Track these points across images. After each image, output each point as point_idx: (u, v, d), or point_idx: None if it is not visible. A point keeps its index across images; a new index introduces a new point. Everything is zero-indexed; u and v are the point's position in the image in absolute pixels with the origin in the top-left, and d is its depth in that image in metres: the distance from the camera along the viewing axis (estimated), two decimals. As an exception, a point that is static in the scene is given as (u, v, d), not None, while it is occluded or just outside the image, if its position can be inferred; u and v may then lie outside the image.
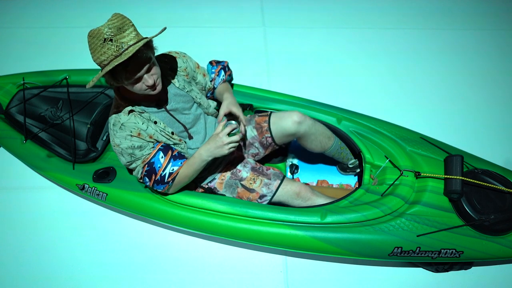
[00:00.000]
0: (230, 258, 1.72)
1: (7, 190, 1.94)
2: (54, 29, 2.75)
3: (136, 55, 1.13)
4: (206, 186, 1.58)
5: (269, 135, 1.60)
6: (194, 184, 1.57)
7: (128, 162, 1.36)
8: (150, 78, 1.20)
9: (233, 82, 1.85)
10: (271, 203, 1.54)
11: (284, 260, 1.71)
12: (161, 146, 1.36)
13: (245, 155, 1.68)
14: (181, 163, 1.37)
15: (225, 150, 1.30)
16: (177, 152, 1.39)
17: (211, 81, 1.61)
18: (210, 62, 1.66)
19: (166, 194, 1.49)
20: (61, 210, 1.87)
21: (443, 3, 2.95)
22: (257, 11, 2.90)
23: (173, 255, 1.73)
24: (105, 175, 1.60)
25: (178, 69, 1.47)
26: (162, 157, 1.34)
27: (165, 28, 1.21)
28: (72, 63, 2.45)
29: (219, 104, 1.81)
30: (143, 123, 1.32)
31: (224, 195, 1.56)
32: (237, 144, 1.32)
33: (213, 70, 1.62)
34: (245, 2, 2.96)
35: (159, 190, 1.42)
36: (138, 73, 1.16)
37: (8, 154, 1.96)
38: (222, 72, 1.63)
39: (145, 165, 1.35)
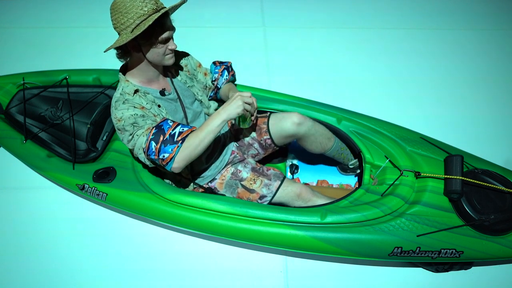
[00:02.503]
0: (230, 258, 1.72)
1: (7, 190, 1.94)
2: (54, 29, 2.75)
3: (169, 17, 1.26)
4: (206, 186, 1.58)
5: (268, 136, 1.60)
6: (194, 184, 1.57)
7: (130, 135, 1.29)
8: (174, 43, 1.30)
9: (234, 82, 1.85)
10: (271, 203, 1.54)
11: (284, 260, 1.71)
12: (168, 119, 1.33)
13: (245, 156, 1.68)
14: (190, 126, 1.30)
15: (240, 105, 1.26)
16: None
17: (213, 81, 1.61)
18: (214, 63, 1.66)
19: (171, 171, 1.31)
20: (61, 210, 1.87)
21: (443, 3, 2.95)
22: (257, 11, 2.90)
23: (173, 255, 1.73)
24: (105, 175, 1.60)
25: (180, 64, 1.51)
26: (171, 122, 1.29)
27: (185, 1, 1.28)
28: (72, 63, 2.45)
29: (221, 105, 1.81)
30: (147, 103, 1.33)
31: (224, 195, 1.56)
32: (250, 105, 1.29)
33: (216, 70, 1.62)
34: (245, 2, 2.97)
35: (166, 155, 1.25)
36: (169, 33, 1.26)
37: (8, 154, 1.96)
38: (226, 72, 1.63)
39: (152, 128, 1.27)
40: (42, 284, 1.66)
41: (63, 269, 1.70)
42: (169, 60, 1.33)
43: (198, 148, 1.26)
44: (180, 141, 1.25)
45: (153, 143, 1.26)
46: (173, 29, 1.28)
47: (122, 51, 1.29)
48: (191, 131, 1.28)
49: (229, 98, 1.45)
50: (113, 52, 1.29)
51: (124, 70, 1.38)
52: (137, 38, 1.22)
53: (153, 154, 1.27)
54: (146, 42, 1.24)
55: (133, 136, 1.29)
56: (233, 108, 1.26)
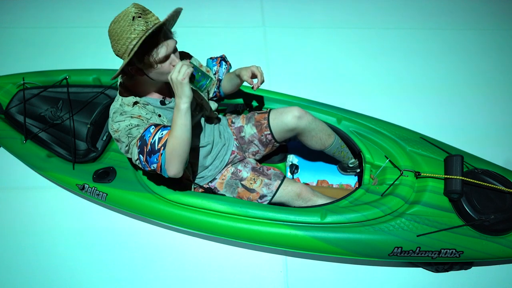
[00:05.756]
0: (230, 258, 1.72)
1: (7, 190, 1.94)
2: (54, 29, 2.75)
3: (165, 32, 1.16)
4: (206, 186, 1.58)
5: (269, 132, 1.60)
6: (194, 184, 1.57)
7: (126, 146, 1.28)
8: (177, 58, 1.21)
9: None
10: (271, 203, 1.54)
11: (284, 260, 1.71)
12: (153, 123, 1.28)
13: (246, 154, 1.68)
14: (169, 128, 1.25)
15: (184, 82, 1.15)
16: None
17: (214, 74, 1.60)
18: (210, 58, 1.65)
19: (168, 175, 1.27)
20: (61, 210, 1.87)
21: (443, 3, 2.95)
22: (257, 11, 2.90)
23: (173, 255, 1.73)
24: (105, 175, 1.60)
25: None
26: (152, 129, 1.25)
27: (180, 9, 1.20)
28: (72, 63, 2.45)
29: (221, 105, 1.81)
30: (146, 114, 1.29)
31: (224, 195, 1.56)
32: (184, 65, 1.15)
33: (214, 63, 1.60)
34: (245, 2, 2.96)
35: (154, 165, 1.24)
36: (168, 50, 1.17)
37: (8, 154, 1.95)
38: (223, 63, 1.61)
39: (137, 140, 1.24)
40: (42, 284, 1.66)
41: (63, 269, 1.70)
42: None
43: (181, 147, 1.21)
44: (162, 148, 1.21)
45: (141, 157, 1.25)
46: (171, 44, 1.18)
47: (126, 76, 1.27)
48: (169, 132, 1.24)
49: (241, 76, 1.45)
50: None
51: (123, 83, 1.34)
52: (135, 63, 1.17)
53: (145, 167, 1.27)
54: (145, 65, 1.18)
55: (129, 147, 1.28)
56: (182, 89, 1.16)
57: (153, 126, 1.25)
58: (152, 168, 1.26)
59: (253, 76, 1.44)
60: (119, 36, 1.14)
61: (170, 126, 1.26)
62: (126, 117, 1.26)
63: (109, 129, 1.31)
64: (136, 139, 1.25)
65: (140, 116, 1.27)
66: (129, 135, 1.26)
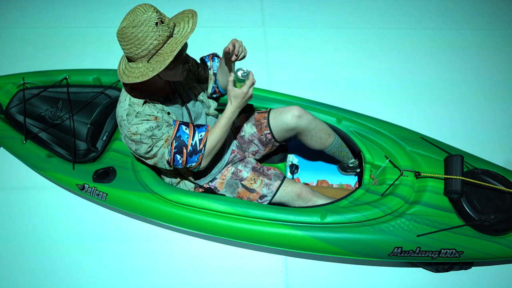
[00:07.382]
0: (230, 258, 1.72)
1: (7, 190, 1.94)
2: (54, 29, 2.75)
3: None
4: (207, 186, 1.58)
5: (269, 131, 1.60)
6: (194, 184, 1.57)
7: (149, 147, 1.31)
8: (188, 58, 1.30)
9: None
10: (271, 203, 1.54)
11: (284, 260, 1.71)
12: (180, 121, 1.35)
13: (245, 154, 1.68)
14: (205, 128, 1.36)
15: (250, 95, 1.35)
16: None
17: (209, 69, 1.59)
18: (202, 57, 1.64)
19: (199, 169, 1.42)
20: (61, 210, 1.87)
21: (443, 3, 2.95)
22: (257, 11, 2.90)
23: (173, 255, 1.73)
24: (105, 175, 1.60)
25: None
26: (186, 129, 1.33)
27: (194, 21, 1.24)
28: (72, 63, 2.45)
29: (221, 105, 1.81)
30: (158, 112, 1.31)
31: (224, 195, 1.56)
32: (253, 83, 1.34)
33: (206, 59, 1.60)
34: (245, 2, 2.96)
35: (193, 164, 1.36)
36: (183, 52, 1.25)
37: (8, 154, 1.96)
38: (216, 58, 1.61)
39: (172, 142, 1.31)
40: (42, 284, 1.66)
41: (63, 269, 1.70)
42: (183, 75, 1.31)
43: (218, 146, 1.38)
44: (203, 148, 1.34)
45: (178, 156, 1.34)
46: (185, 47, 1.24)
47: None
48: (208, 132, 1.36)
49: (224, 52, 1.43)
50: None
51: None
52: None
53: (180, 165, 1.37)
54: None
55: (152, 148, 1.32)
56: (245, 101, 1.34)
57: (183, 126, 1.33)
58: (188, 166, 1.38)
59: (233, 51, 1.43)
60: (140, 42, 1.14)
61: (203, 125, 1.37)
62: (143, 119, 1.28)
63: (123, 131, 1.31)
64: (164, 139, 1.31)
65: (156, 118, 1.30)
66: (152, 137, 1.30)
